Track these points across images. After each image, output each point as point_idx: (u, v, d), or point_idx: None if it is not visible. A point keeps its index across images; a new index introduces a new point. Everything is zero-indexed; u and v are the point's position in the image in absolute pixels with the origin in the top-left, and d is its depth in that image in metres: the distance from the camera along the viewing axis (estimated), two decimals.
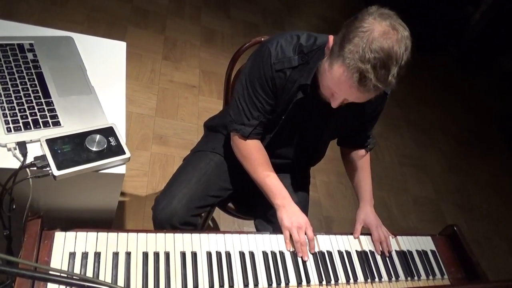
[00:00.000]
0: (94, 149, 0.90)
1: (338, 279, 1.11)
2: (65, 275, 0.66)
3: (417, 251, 1.30)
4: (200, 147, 1.45)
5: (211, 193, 1.33)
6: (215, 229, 1.95)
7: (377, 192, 2.61)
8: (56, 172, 0.83)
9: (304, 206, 1.43)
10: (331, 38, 1.01)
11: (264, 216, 1.38)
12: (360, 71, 0.89)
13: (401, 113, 3.36)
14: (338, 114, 1.22)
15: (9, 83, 0.98)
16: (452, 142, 3.39)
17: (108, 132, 0.94)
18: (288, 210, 1.17)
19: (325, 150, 1.49)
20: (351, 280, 1.13)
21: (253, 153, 1.23)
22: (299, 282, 1.07)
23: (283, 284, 1.05)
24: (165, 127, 2.29)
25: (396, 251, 1.28)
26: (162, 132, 2.26)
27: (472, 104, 3.97)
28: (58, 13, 2.53)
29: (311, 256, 1.13)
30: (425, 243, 1.35)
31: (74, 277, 0.68)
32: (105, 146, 0.91)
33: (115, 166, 0.93)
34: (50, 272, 0.65)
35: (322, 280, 1.09)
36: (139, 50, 2.61)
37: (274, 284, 1.04)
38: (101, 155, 0.90)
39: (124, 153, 0.92)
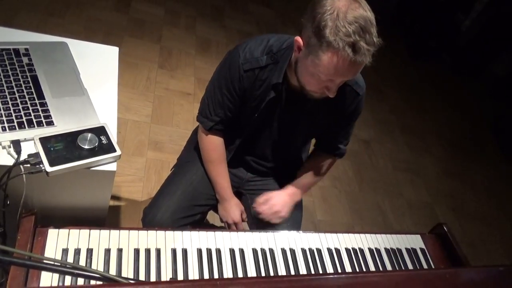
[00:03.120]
0: (86, 147, 0.93)
1: None
2: (58, 264, 0.69)
3: (406, 249, 1.32)
4: (187, 156, 1.48)
5: (198, 202, 1.36)
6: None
7: (371, 196, 2.64)
8: (49, 169, 0.87)
9: (296, 209, 1.46)
10: (298, 38, 1.04)
11: (255, 216, 1.41)
12: (351, 44, 0.93)
13: (395, 118, 3.40)
14: (309, 111, 1.25)
15: (5, 85, 1.02)
16: (446, 146, 3.42)
17: (100, 131, 0.97)
18: (223, 206, 1.38)
19: (302, 151, 1.51)
20: None
21: (209, 150, 1.35)
22: None
23: None
24: (161, 133, 2.33)
25: (385, 248, 1.29)
26: (157, 138, 2.29)
27: (466, 109, 4.02)
28: (56, 24, 2.59)
29: (300, 253, 1.15)
30: (415, 241, 1.36)
31: (67, 265, 0.71)
32: (97, 144, 0.94)
33: (106, 164, 0.96)
34: (44, 261, 0.68)
35: None
36: (135, 59, 2.66)
37: None
38: (92, 152, 0.93)
39: (115, 151, 0.95)
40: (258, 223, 1.39)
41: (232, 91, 1.20)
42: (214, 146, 1.33)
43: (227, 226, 1.40)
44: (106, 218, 1.17)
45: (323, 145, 1.43)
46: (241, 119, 1.28)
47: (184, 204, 1.31)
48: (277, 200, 1.34)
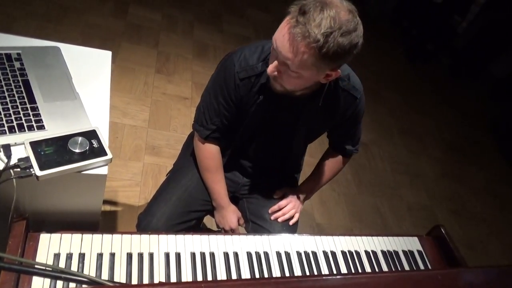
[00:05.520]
0: (76, 150, 0.93)
1: None
2: (45, 268, 0.68)
3: (403, 251, 1.31)
4: (182, 162, 1.47)
5: (194, 208, 1.36)
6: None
7: (370, 198, 2.63)
8: (39, 173, 0.86)
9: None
10: None
11: (253, 219, 1.41)
12: (302, 8, 0.91)
13: (393, 121, 3.40)
14: (307, 118, 1.25)
15: None
16: (445, 149, 3.41)
17: (91, 134, 0.97)
18: (221, 213, 1.38)
19: (301, 155, 1.51)
20: None
21: (206, 158, 1.34)
22: None
23: None
24: (158, 138, 2.32)
25: (381, 251, 1.28)
26: (154, 143, 2.29)
27: (464, 111, 4.01)
28: (53, 30, 2.60)
29: (295, 256, 1.14)
30: (412, 243, 1.35)
31: (54, 270, 0.70)
32: (88, 148, 0.94)
33: (97, 167, 0.96)
34: (36, 266, 0.67)
35: None
36: (132, 64, 2.67)
37: None
38: (83, 156, 0.93)
39: (106, 154, 0.95)
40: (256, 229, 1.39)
41: (228, 100, 1.19)
42: (211, 155, 1.33)
43: (224, 232, 1.39)
44: (99, 222, 1.17)
45: (331, 144, 1.46)
46: (234, 124, 1.28)
47: (179, 210, 1.31)
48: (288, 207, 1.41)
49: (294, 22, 0.92)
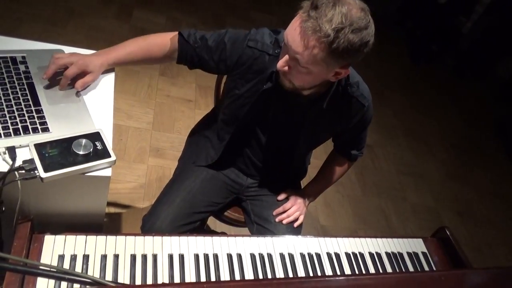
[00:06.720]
0: (80, 152, 0.93)
1: None
2: (53, 270, 0.69)
3: (408, 253, 1.30)
4: (185, 163, 1.47)
5: (198, 209, 1.35)
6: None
7: (374, 200, 2.62)
8: (43, 174, 0.87)
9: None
10: None
11: (257, 221, 1.41)
12: (314, 3, 0.93)
13: (398, 122, 3.39)
14: (312, 120, 1.25)
15: (1, 92, 1.03)
16: (450, 150, 3.39)
17: (95, 136, 0.98)
18: (89, 56, 1.17)
19: (306, 160, 1.52)
20: None
21: (154, 36, 1.30)
22: None
23: None
24: (162, 140, 2.33)
25: (386, 252, 1.28)
26: (159, 145, 2.30)
27: (470, 112, 3.99)
28: (59, 33, 2.62)
29: (299, 258, 1.14)
30: (416, 245, 1.34)
31: (57, 271, 0.70)
32: (91, 149, 0.94)
33: (101, 169, 0.96)
34: (41, 267, 0.68)
35: None
36: (136, 67, 2.68)
37: None
38: (87, 158, 0.93)
39: (109, 156, 0.95)
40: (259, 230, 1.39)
41: (222, 54, 1.19)
42: (161, 37, 1.29)
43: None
44: (103, 224, 1.17)
45: (336, 148, 1.48)
46: (235, 112, 1.27)
47: (183, 211, 1.31)
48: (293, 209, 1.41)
49: (306, 16, 0.93)
